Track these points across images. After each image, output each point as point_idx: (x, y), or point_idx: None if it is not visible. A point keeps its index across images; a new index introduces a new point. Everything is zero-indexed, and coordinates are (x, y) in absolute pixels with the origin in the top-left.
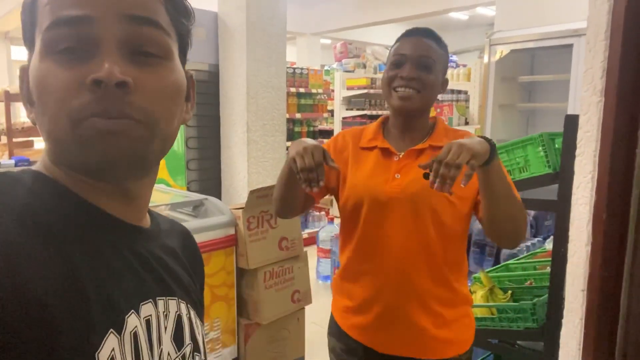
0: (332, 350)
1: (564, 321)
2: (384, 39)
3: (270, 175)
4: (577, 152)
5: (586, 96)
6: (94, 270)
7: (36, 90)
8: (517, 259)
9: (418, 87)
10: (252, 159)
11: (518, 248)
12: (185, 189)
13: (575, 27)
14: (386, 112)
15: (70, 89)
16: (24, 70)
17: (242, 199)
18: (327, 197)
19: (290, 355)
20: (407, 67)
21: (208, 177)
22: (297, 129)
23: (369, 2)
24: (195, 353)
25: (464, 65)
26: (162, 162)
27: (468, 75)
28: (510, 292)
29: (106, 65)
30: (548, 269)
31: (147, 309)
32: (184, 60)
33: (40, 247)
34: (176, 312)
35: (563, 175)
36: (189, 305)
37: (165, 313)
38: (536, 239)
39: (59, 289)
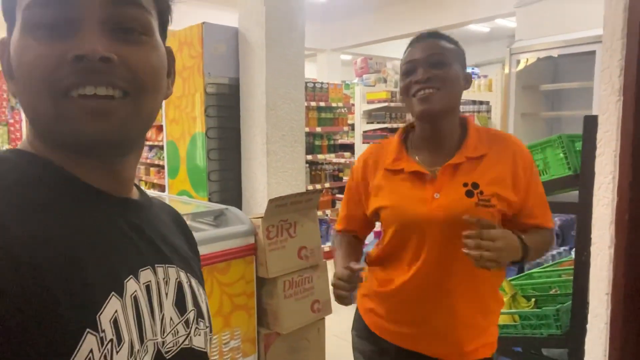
0: (361, 352)
1: (588, 326)
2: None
3: (289, 186)
4: (597, 152)
5: (604, 95)
6: (89, 240)
7: (16, 65)
8: (542, 267)
9: (437, 85)
10: (272, 169)
11: (543, 257)
12: (207, 200)
13: (597, 33)
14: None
15: (51, 63)
16: (4, 44)
17: (262, 208)
18: None
19: None
20: (420, 70)
21: (229, 187)
22: (317, 142)
23: (389, 17)
24: (199, 319)
25: (485, 76)
26: (185, 174)
27: (489, 86)
28: (533, 299)
29: (89, 42)
30: None
31: (146, 275)
32: (164, 36)
33: (33, 221)
34: (176, 279)
35: (583, 177)
36: (189, 274)
37: (165, 279)
38: (562, 249)
39: (55, 259)
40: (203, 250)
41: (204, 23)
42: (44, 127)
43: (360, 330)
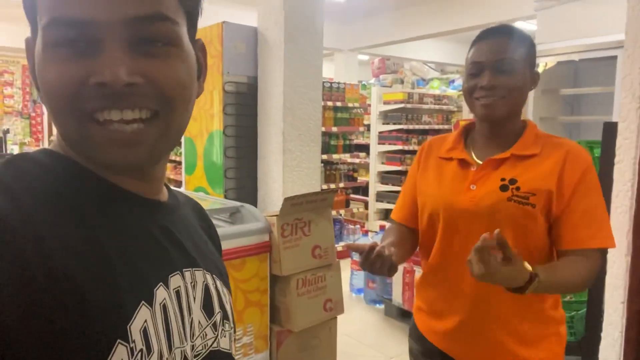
0: (410, 351)
1: (603, 334)
2: (422, 54)
3: (304, 184)
4: (616, 159)
5: (625, 103)
6: (120, 245)
7: (39, 79)
8: None
9: (502, 94)
10: (288, 168)
11: None
12: (223, 197)
13: (619, 38)
14: (422, 127)
15: (73, 85)
16: (29, 45)
17: (277, 207)
18: (365, 211)
19: None
20: (486, 75)
21: (245, 185)
22: (333, 142)
23: (407, 18)
24: (225, 321)
25: None
26: (202, 171)
27: None
28: None
29: (111, 67)
30: None
31: (175, 280)
32: (193, 33)
33: (65, 225)
34: (203, 282)
35: (602, 184)
36: (214, 275)
37: (192, 283)
38: None
39: (87, 266)
40: None
41: (224, 22)
42: (71, 145)
43: (412, 330)
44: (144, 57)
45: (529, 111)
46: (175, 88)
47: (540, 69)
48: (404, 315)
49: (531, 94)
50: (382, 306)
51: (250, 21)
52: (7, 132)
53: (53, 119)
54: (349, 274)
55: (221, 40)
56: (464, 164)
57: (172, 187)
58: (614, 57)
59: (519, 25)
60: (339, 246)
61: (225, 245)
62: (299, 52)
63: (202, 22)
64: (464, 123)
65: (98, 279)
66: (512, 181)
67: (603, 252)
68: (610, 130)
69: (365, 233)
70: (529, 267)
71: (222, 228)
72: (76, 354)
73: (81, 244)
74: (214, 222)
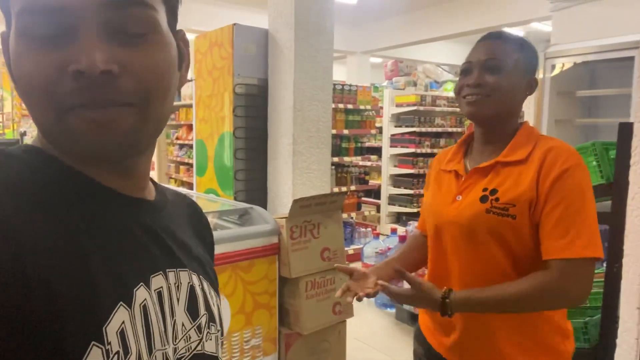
0: (414, 353)
1: (618, 341)
2: (435, 56)
3: (314, 187)
4: (632, 161)
5: None
6: (99, 245)
7: (15, 72)
8: None
9: (486, 92)
10: (297, 170)
11: None
12: (233, 198)
13: (636, 39)
14: (435, 129)
15: (51, 76)
16: (4, 38)
17: (286, 208)
18: (376, 214)
19: None
20: (474, 73)
21: (254, 187)
22: (344, 144)
23: (419, 20)
24: (210, 323)
25: None
26: (212, 173)
27: None
28: None
29: (87, 54)
30: None
31: (157, 281)
32: (173, 22)
33: (41, 224)
34: (188, 283)
35: (617, 186)
36: (201, 277)
37: (176, 284)
38: None
39: (63, 265)
40: (227, 248)
41: (234, 24)
42: (51, 138)
43: (417, 332)
44: (121, 45)
45: (544, 114)
46: (153, 78)
47: (556, 71)
48: (415, 319)
49: (546, 96)
50: (393, 310)
51: (261, 23)
52: (24, 134)
53: (31, 113)
54: None
55: (232, 42)
56: (457, 175)
57: (164, 185)
58: (631, 58)
59: (534, 26)
60: (350, 249)
61: (234, 246)
62: (309, 54)
63: (214, 25)
64: (467, 133)
65: (73, 279)
66: (493, 192)
67: (585, 261)
68: (625, 130)
69: (377, 236)
70: (438, 291)
71: (232, 230)
72: (49, 356)
73: (57, 241)
74: (224, 223)
